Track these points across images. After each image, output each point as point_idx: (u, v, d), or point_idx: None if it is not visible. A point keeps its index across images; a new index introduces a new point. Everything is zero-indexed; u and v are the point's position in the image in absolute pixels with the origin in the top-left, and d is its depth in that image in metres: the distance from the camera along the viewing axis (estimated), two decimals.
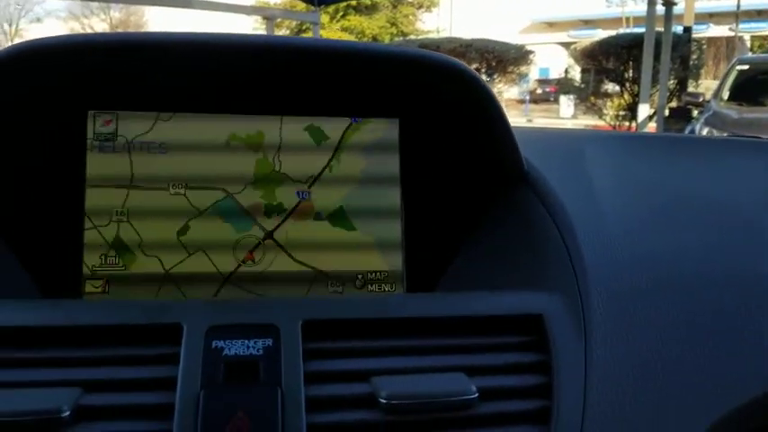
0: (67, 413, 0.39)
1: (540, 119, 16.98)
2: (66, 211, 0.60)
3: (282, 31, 22.87)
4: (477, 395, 0.43)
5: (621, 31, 13.08)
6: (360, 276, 0.63)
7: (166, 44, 0.56)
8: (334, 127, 0.64)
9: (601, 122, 10.38)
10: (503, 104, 0.61)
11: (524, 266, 0.57)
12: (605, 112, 10.25)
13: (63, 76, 0.57)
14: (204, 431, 0.39)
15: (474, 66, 12.55)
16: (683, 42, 9.56)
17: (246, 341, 0.44)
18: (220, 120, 0.62)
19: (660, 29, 8.66)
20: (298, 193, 0.63)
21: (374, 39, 23.54)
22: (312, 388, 0.43)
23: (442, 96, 0.62)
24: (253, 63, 0.59)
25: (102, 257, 0.60)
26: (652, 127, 8.64)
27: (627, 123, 9.67)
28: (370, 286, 0.63)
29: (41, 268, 0.60)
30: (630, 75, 9.60)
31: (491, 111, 0.59)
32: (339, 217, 0.63)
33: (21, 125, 0.59)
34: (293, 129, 0.63)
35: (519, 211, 0.61)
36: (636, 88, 9.19)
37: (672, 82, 9.34)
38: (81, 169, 0.60)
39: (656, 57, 8.41)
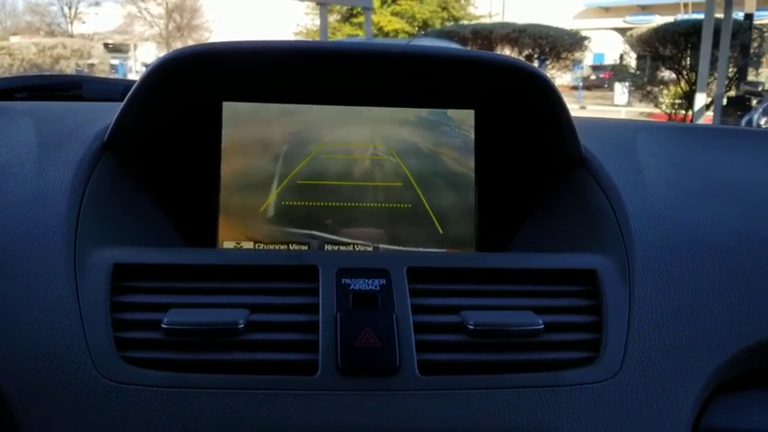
0: (242, 325, 0.53)
1: (594, 106, 16.74)
2: (206, 179, 0.75)
3: (333, 16, 22.98)
4: (542, 326, 0.56)
5: (680, 17, 12.77)
6: (438, 236, 0.76)
7: (278, 51, 0.70)
8: (419, 114, 0.77)
9: (656, 110, 10.23)
10: None
11: (581, 233, 0.69)
12: (661, 100, 10.10)
13: (205, 72, 0.72)
14: (342, 340, 0.53)
15: (526, 52, 12.49)
16: (744, 29, 9.32)
17: (366, 280, 0.58)
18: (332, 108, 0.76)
19: (720, 15, 8.46)
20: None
21: (425, 23, 23.47)
22: (417, 316, 0.56)
23: (513, 92, 0.74)
24: (349, 67, 0.73)
25: None
26: (709, 116, 8.48)
27: (683, 112, 9.51)
28: (447, 245, 0.76)
29: (187, 227, 0.75)
30: (688, 62, 9.44)
31: (556, 106, 0.71)
32: (423, 184, 0.76)
33: (177, 112, 0.74)
34: (387, 116, 0.77)
35: (577, 188, 0.73)
36: (693, 76, 9.03)
37: (731, 70, 9.13)
38: (218, 149, 0.74)
39: (715, 44, 8.23)
